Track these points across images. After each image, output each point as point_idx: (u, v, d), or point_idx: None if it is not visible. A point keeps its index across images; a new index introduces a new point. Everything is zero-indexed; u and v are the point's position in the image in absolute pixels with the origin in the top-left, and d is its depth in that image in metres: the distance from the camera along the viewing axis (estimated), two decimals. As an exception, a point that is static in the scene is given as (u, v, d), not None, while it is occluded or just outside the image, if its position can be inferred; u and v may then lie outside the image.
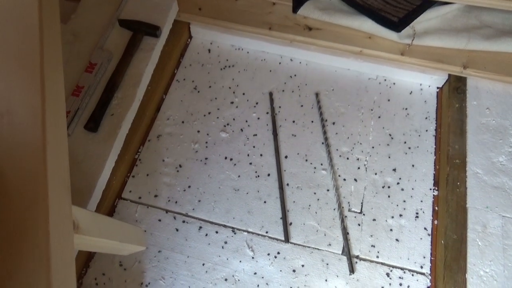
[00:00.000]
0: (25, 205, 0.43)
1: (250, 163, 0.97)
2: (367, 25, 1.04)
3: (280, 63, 1.12)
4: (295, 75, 1.10)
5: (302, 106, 1.05)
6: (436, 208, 0.91)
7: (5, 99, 0.52)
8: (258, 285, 0.84)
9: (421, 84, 1.06)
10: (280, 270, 0.86)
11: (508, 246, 0.82)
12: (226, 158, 0.98)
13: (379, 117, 1.02)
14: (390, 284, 0.84)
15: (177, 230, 0.90)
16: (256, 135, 1.01)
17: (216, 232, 0.90)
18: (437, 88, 1.06)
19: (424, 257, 0.86)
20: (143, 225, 0.91)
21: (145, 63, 0.98)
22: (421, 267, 0.85)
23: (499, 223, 0.85)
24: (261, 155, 0.98)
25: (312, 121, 1.02)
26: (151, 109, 1.02)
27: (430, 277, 0.84)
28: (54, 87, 0.69)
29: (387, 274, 0.85)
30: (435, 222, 0.90)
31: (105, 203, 0.88)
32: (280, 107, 1.05)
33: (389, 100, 1.05)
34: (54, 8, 0.81)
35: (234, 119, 1.03)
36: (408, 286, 0.83)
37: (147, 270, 0.86)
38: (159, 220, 0.91)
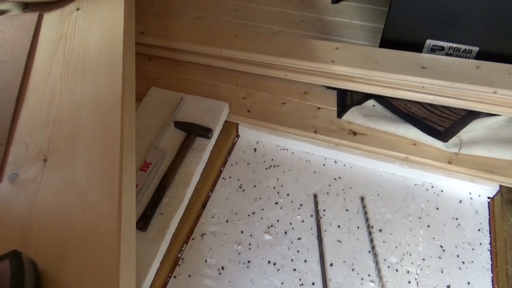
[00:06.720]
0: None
1: (294, 269, 0.94)
2: (412, 132, 1.06)
3: (324, 164, 1.14)
4: (339, 178, 1.10)
5: (347, 210, 1.04)
6: (499, 335, 0.83)
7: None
8: None
9: (470, 193, 1.04)
10: None
11: None
12: (269, 262, 0.96)
13: (428, 226, 0.99)
14: None
15: None
16: (300, 238, 0.99)
17: None
18: (488, 198, 1.03)
19: None
20: (181, 331, 0.87)
21: (196, 163, 1.02)
22: None
23: None
24: (305, 261, 0.96)
25: (358, 227, 1.00)
26: (197, 207, 1.04)
27: None
28: (129, 187, 0.77)
29: None
30: None
31: (145, 306, 0.87)
32: (324, 210, 1.04)
33: (437, 209, 1.02)
34: (132, 110, 0.90)
35: (278, 221, 1.03)
36: None
37: None
38: (199, 327, 0.88)
